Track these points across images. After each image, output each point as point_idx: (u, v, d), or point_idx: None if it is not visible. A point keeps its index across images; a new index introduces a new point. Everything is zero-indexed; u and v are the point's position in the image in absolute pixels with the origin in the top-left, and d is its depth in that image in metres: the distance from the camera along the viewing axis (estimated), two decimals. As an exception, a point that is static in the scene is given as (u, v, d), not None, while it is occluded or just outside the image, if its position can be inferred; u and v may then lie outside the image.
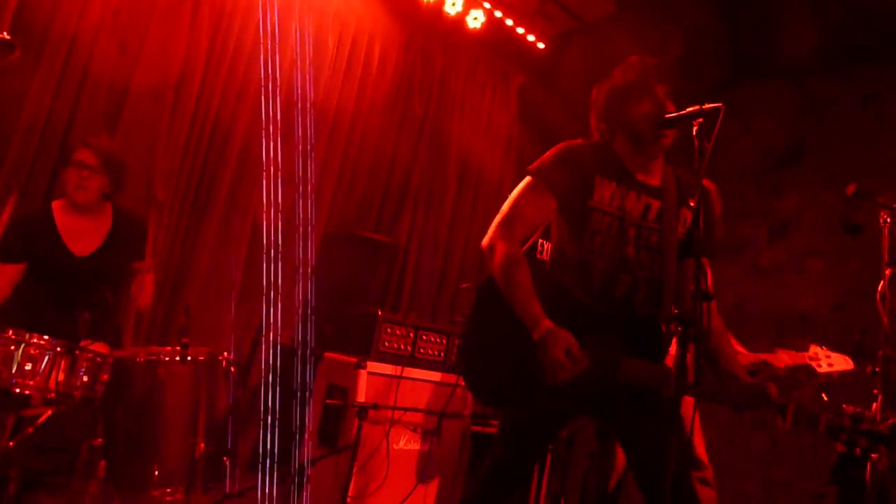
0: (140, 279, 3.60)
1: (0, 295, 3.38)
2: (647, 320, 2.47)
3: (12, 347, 2.84)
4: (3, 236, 3.49)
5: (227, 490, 3.34)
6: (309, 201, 4.91)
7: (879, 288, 3.12)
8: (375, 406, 3.73)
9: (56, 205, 3.55)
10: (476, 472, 2.75)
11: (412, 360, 4.14)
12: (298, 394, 4.19)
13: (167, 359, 3.21)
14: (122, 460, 3.06)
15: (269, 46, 4.74)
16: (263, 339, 4.62)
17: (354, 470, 3.62)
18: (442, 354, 4.28)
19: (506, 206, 2.57)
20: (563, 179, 2.52)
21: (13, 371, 2.83)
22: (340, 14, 5.33)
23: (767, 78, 6.17)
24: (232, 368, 3.43)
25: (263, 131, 4.71)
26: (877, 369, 3.15)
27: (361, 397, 3.82)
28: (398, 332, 4.11)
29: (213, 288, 4.65)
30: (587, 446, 4.35)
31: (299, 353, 4.33)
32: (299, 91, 4.90)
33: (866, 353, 3.44)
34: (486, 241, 2.55)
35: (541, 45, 6.13)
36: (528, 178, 2.57)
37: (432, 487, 4.10)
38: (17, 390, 2.83)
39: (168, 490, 3.08)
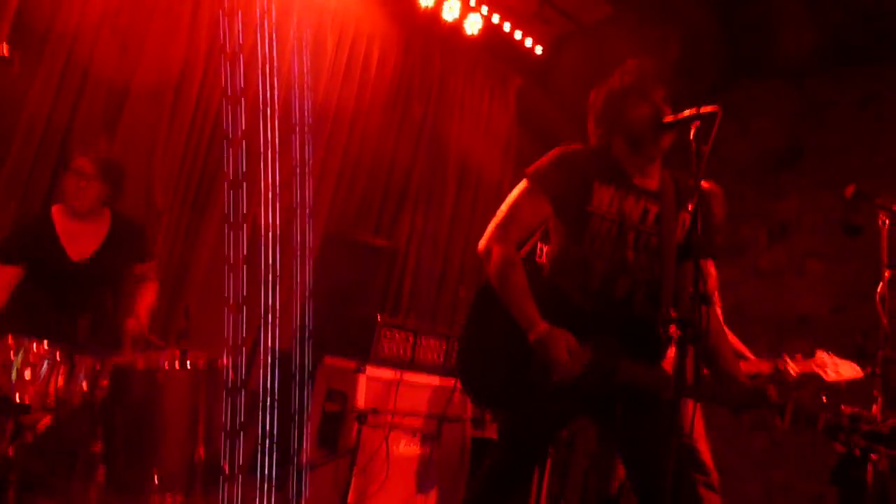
0: (142, 288, 3.62)
1: None
2: (645, 323, 2.47)
3: (11, 354, 2.85)
4: (3, 239, 3.50)
5: (227, 495, 3.33)
6: (308, 204, 4.91)
7: (879, 289, 3.11)
8: (375, 411, 3.73)
9: (56, 209, 3.56)
10: (476, 475, 2.75)
11: (412, 365, 4.14)
12: (297, 397, 4.19)
13: (166, 365, 3.21)
14: (122, 466, 3.06)
15: (268, 50, 4.75)
16: (262, 342, 4.61)
17: (354, 474, 3.62)
18: (442, 358, 4.27)
19: (502, 210, 2.57)
20: (559, 183, 2.52)
21: (13, 378, 2.83)
22: (339, 17, 5.34)
23: (766, 79, 6.17)
24: (231, 373, 3.43)
25: (262, 134, 4.72)
26: (877, 371, 3.14)
27: (361, 402, 3.82)
28: (398, 337, 4.11)
29: (212, 291, 4.65)
30: (587, 448, 4.34)
31: (298, 356, 4.33)
32: (298, 94, 4.91)
33: (867, 354, 3.43)
34: (482, 244, 2.56)
35: (538, 49, 6.14)
36: (524, 182, 2.57)
37: (432, 492, 4.09)
38: (17, 397, 2.84)
39: (167, 495, 3.08)
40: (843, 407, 2.32)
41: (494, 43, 5.99)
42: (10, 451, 2.81)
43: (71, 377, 2.95)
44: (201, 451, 3.17)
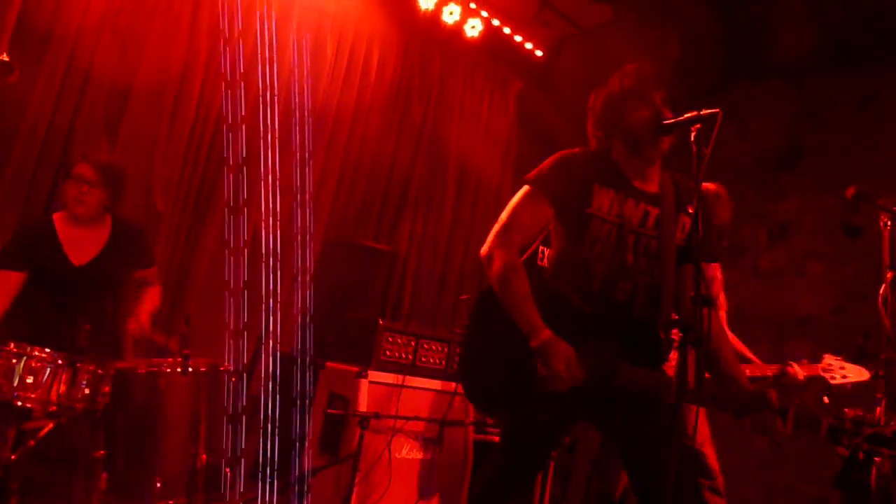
0: (143, 293, 3.63)
1: (1, 303, 3.38)
2: (646, 326, 2.47)
3: (14, 360, 2.85)
4: (5, 245, 3.51)
5: (228, 500, 3.34)
6: (308, 208, 4.92)
7: (881, 291, 3.11)
8: (377, 415, 3.72)
9: (57, 216, 3.57)
10: (478, 480, 2.74)
11: (413, 369, 4.13)
12: (299, 403, 4.18)
13: (168, 370, 3.21)
14: (124, 471, 3.06)
15: (268, 54, 4.75)
16: (263, 347, 4.61)
17: (356, 480, 3.61)
18: (443, 363, 4.27)
19: (504, 215, 2.57)
20: (560, 188, 2.53)
21: (15, 384, 2.84)
22: (338, 20, 5.35)
23: (765, 79, 6.17)
24: (232, 378, 3.43)
25: (262, 138, 4.72)
26: (880, 373, 3.14)
27: (363, 407, 3.81)
28: (399, 341, 4.10)
29: (213, 295, 4.65)
30: (589, 452, 4.34)
31: (299, 361, 4.33)
32: (298, 98, 4.91)
33: (868, 355, 3.43)
34: (484, 249, 2.56)
35: (539, 52, 6.15)
36: (525, 187, 2.57)
37: (435, 496, 4.09)
38: (19, 403, 2.85)
39: (170, 501, 3.08)
40: (846, 410, 2.32)
41: (494, 46, 6.00)
42: (13, 458, 2.81)
43: (73, 383, 2.95)
44: (203, 455, 3.18)
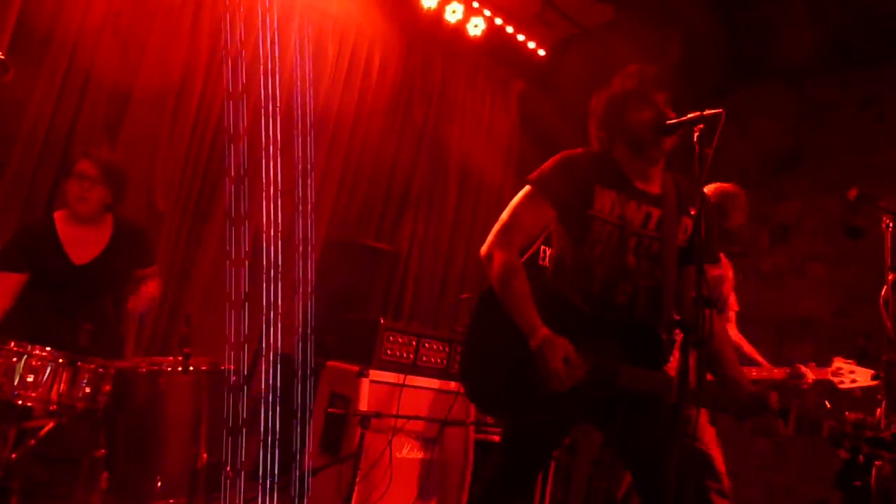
0: (142, 286, 3.63)
1: (3, 304, 3.38)
2: (646, 328, 2.47)
3: (14, 359, 2.85)
4: (6, 246, 3.51)
5: (229, 501, 3.33)
6: (309, 209, 4.91)
7: (883, 293, 3.11)
8: (378, 415, 3.72)
9: (58, 215, 3.57)
10: (479, 481, 2.74)
11: (414, 369, 4.13)
12: (300, 403, 4.18)
13: (169, 369, 3.21)
14: (125, 471, 3.06)
15: (269, 55, 4.75)
16: (264, 347, 4.61)
17: (357, 479, 3.61)
18: (444, 362, 4.27)
19: (504, 215, 2.57)
20: (562, 189, 2.52)
21: (15, 383, 2.84)
22: (340, 21, 5.35)
23: (766, 80, 6.17)
24: (233, 378, 3.43)
25: (264, 140, 4.72)
26: (881, 374, 3.14)
27: (364, 406, 3.81)
28: (400, 340, 4.10)
29: (214, 296, 4.65)
30: (590, 453, 4.34)
31: (300, 361, 4.33)
32: (299, 99, 4.91)
33: (869, 357, 3.42)
34: (484, 249, 2.56)
35: (541, 52, 6.15)
36: (527, 187, 2.57)
37: (435, 496, 4.09)
38: (20, 402, 2.84)
39: (171, 501, 3.08)
40: (846, 413, 2.32)
41: (496, 46, 6.00)
42: (13, 457, 2.80)
43: (73, 382, 2.95)
44: (204, 455, 3.17)
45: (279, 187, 4.74)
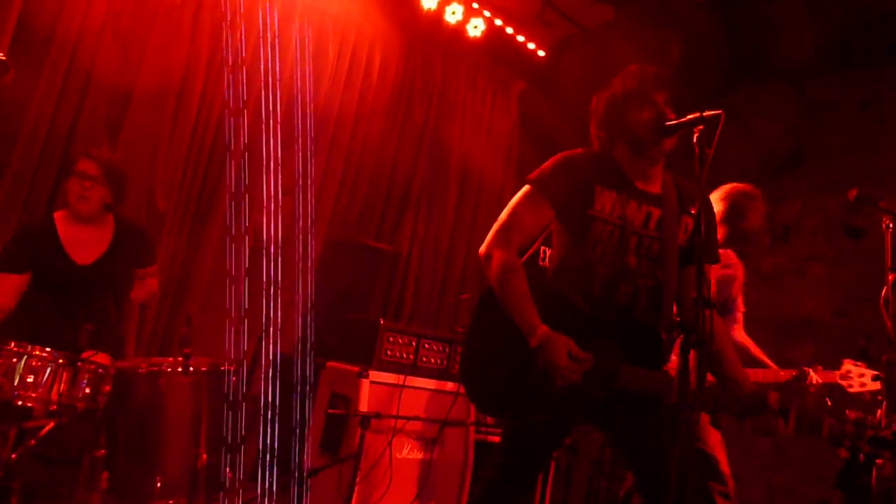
0: (143, 281, 3.64)
1: (6, 305, 3.38)
2: (647, 328, 2.47)
3: (14, 359, 2.85)
4: (6, 247, 3.51)
5: (229, 501, 3.33)
6: (310, 209, 4.91)
7: (883, 293, 3.11)
8: (378, 415, 3.72)
9: (58, 215, 3.56)
10: (479, 481, 2.74)
11: (415, 369, 4.13)
12: (300, 402, 4.18)
13: (169, 369, 3.21)
14: (125, 471, 3.06)
15: (270, 55, 4.75)
16: (264, 347, 4.61)
17: (357, 479, 3.61)
18: (444, 363, 4.27)
19: (504, 215, 2.57)
20: (561, 189, 2.52)
21: (15, 383, 2.83)
22: (340, 22, 5.35)
23: (766, 81, 6.17)
24: (233, 378, 3.43)
25: (264, 140, 4.72)
26: (881, 375, 3.13)
27: (364, 407, 3.81)
28: (400, 341, 4.10)
29: (214, 297, 4.65)
30: (591, 454, 4.34)
31: (300, 361, 4.33)
32: (300, 99, 4.91)
33: (870, 358, 3.42)
34: (483, 249, 2.56)
35: (541, 53, 6.15)
36: (526, 187, 2.57)
37: (436, 496, 4.09)
38: (20, 402, 2.84)
39: (171, 501, 3.07)
40: (847, 412, 2.31)
41: (496, 47, 6.00)
42: (13, 457, 2.80)
43: (73, 382, 2.94)
44: (204, 456, 3.17)
45: (280, 188, 4.74)
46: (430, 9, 5.41)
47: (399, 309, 5.70)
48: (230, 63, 4.74)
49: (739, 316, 3.74)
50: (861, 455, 2.24)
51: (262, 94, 4.71)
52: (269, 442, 4.08)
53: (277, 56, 4.79)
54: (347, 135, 5.42)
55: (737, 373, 2.53)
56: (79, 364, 2.94)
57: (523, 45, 6.06)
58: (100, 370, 3.00)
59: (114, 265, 3.59)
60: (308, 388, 4.24)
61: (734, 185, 3.68)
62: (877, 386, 3.35)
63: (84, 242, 3.54)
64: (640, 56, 2.75)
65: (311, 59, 5.03)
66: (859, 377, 3.38)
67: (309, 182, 4.90)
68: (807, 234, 5.85)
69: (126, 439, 3.11)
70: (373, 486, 3.78)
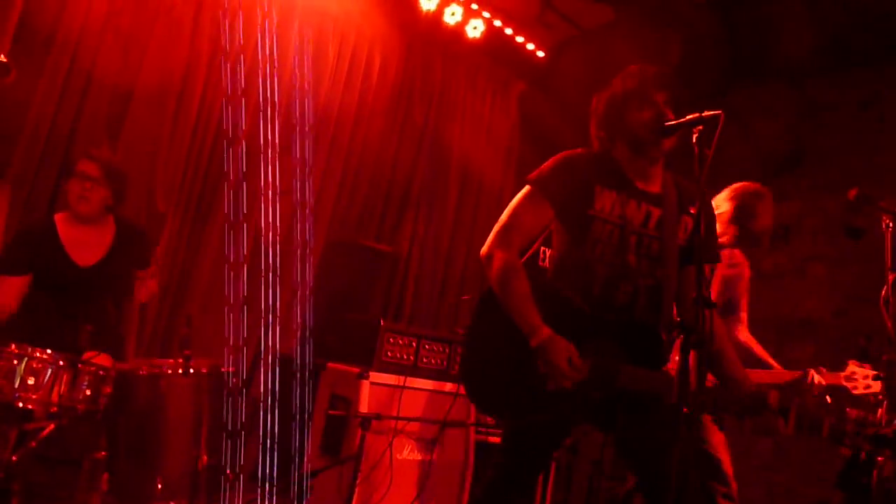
0: (143, 281, 3.63)
1: (9, 307, 3.38)
2: (647, 328, 2.47)
3: (15, 361, 2.85)
4: (7, 249, 3.50)
5: (230, 502, 3.33)
6: (310, 210, 4.91)
7: (883, 293, 3.11)
8: (378, 416, 3.72)
9: (59, 216, 3.56)
10: (480, 482, 2.74)
11: (415, 370, 4.13)
12: (300, 405, 4.18)
13: (169, 371, 3.21)
14: (125, 473, 3.06)
15: (270, 56, 4.75)
16: (264, 349, 4.61)
17: (358, 481, 3.61)
18: (445, 363, 4.26)
19: (504, 216, 2.57)
20: (561, 189, 2.53)
21: (16, 385, 2.84)
22: (340, 22, 5.35)
23: (766, 81, 6.17)
24: (233, 380, 3.43)
25: (264, 141, 4.72)
26: (881, 374, 3.13)
27: (364, 408, 3.81)
28: (401, 342, 4.10)
29: (214, 298, 4.65)
30: (591, 454, 4.33)
31: (300, 363, 4.32)
32: (300, 99, 4.91)
33: (870, 357, 3.41)
34: (484, 249, 2.56)
35: (540, 53, 6.15)
36: (526, 188, 2.57)
37: (436, 497, 4.08)
38: (20, 404, 2.84)
39: (171, 502, 3.08)
40: (848, 411, 2.32)
41: (496, 47, 6.00)
42: (14, 459, 2.80)
43: (74, 384, 2.95)
44: (204, 457, 3.17)
45: (279, 188, 4.74)
46: (429, 10, 5.42)
47: (399, 310, 5.70)
48: (230, 64, 4.73)
49: (744, 316, 3.72)
50: (862, 454, 2.24)
51: (262, 93, 4.71)
52: (269, 443, 4.08)
53: (277, 57, 4.79)
54: (347, 135, 5.42)
55: (737, 373, 2.53)
56: (79, 366, 2.95)
57: (523, 45, 6.07)
58: (100, 372, 3.01)
59: (114, 266, 3.59)
60: (308, 388, 4.24)
61: (742, 184, 3.67)
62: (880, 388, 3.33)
63: (85, 243, 3.54)
64: (639, 56, 2.76)
65: (310, 60, 5.03)
66: (864, 378, 3.34)
67: (309, 182, 4.90)
68: (807, 234, 5.85)
69: (127, 441, 3.11)
70: (373, 488, 3.77)
